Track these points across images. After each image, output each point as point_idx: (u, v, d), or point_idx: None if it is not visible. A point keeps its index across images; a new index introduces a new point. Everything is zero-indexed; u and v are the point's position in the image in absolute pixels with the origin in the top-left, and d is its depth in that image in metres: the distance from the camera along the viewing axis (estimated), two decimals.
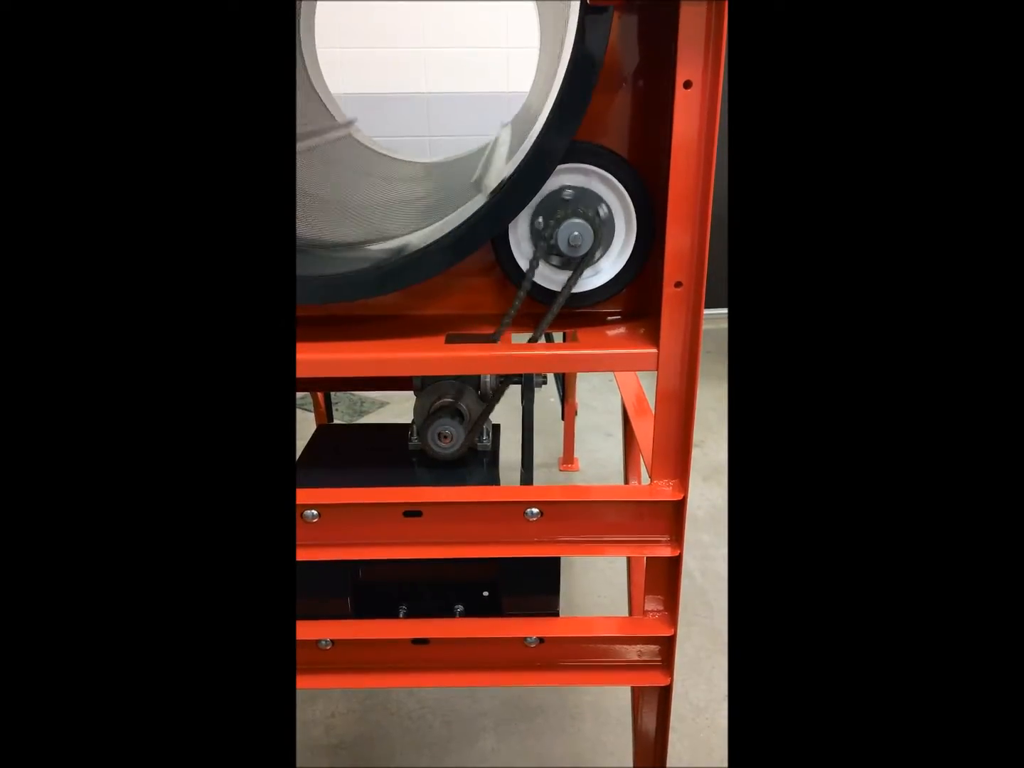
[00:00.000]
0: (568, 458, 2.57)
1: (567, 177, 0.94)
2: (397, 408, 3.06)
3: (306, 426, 2.88)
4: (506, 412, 1.31)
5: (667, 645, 1.04)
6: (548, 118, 0.87)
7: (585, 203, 0.95)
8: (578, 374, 2.60)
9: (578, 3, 0.83)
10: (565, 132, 0.88)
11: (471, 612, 1.09)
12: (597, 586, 1.97)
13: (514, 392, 1.29)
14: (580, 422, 2.65)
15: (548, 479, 2.49)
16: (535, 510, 0.97)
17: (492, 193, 0.92)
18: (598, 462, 2.59)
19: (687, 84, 0.82)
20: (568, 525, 0.98)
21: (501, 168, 1.03)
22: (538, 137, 0.88)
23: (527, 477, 1.20)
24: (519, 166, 0.90)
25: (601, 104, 0.96)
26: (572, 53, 0.84)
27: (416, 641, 1.05)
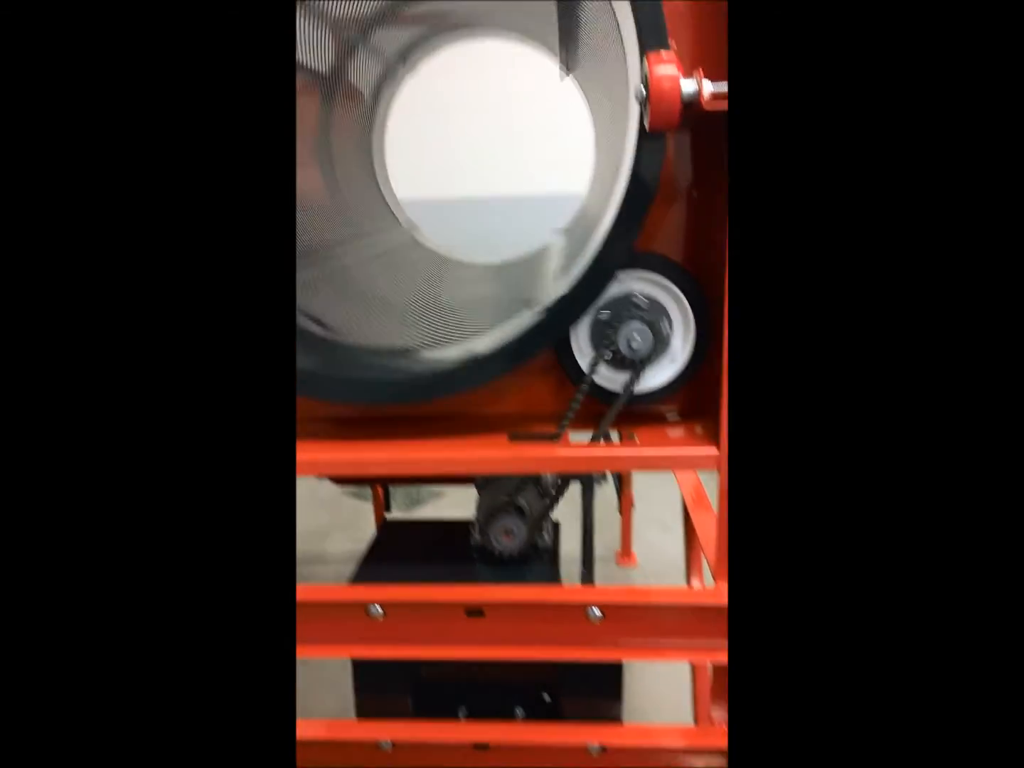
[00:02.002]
0: (626, 552, 2.53)
1: (627, 283, 0.98)
2: (453, 498, 3.08)
3: (363, 516, 2.93)
4: (563, 504, 1.32)
5: None
6: (607, 234, 0.92)
7: (644, 307, 0.98)
8: None
9: (635, 129, 0.89)
10: (623, 247, 0.93)
11: (531, 715, 1.07)
12: (660, 687, 1.89)
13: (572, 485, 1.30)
14: (637, 514, 2.62)
15: (606, 574, 2.44)
16: (597, 611, 0.97)
17: (546, 310, 0.97)
18: (656, 557, 2.54)
19: None
20: (631, 627, 0.97)
21: (552, 281, 1.08)
22: (598, 251, 0.93)
23: (588, 576, 1.19)
24: (580, 278, 0.95)
25: (657, 214, 1.01)
26: (631, 175, 0.89)
27: (477, 746, 1.03)
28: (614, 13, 0.94)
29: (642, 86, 0.83)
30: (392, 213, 2.07)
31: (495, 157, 3.65)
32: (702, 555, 1.37)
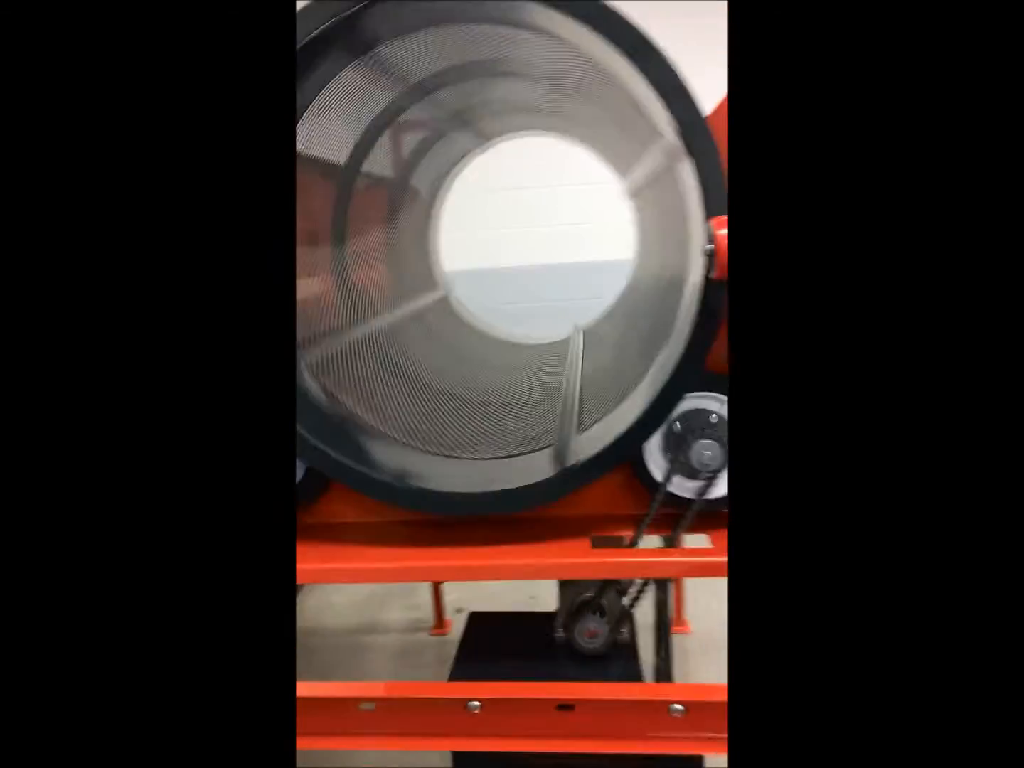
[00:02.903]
0: (679, 620, 2.57)
1: (697, 402, 1.09)
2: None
3: (413, 585, 3.00)
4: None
5: None
6: (679, 360, 1.04)
7: (714, 424, 1.09)
8: None
9: (699, 270, 1.01)
10: (694, 370, 1.04)
11: None
12: None
13: None
14: (688, 580, 2.66)
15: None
16: (679, 707, 1.05)
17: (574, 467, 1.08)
18: (709, 622, 2.57)
19: None
20: (711, 723, 1.05)
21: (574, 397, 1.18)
22: (671, 375, 1.04)
23: (666, 670, 1.27)
24: (656, 396, 1.06)
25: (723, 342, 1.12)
26: (699, 311, 1.01)
27: None
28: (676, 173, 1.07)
29: (708, 244, 0.96)
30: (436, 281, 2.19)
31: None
32: None
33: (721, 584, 2.50)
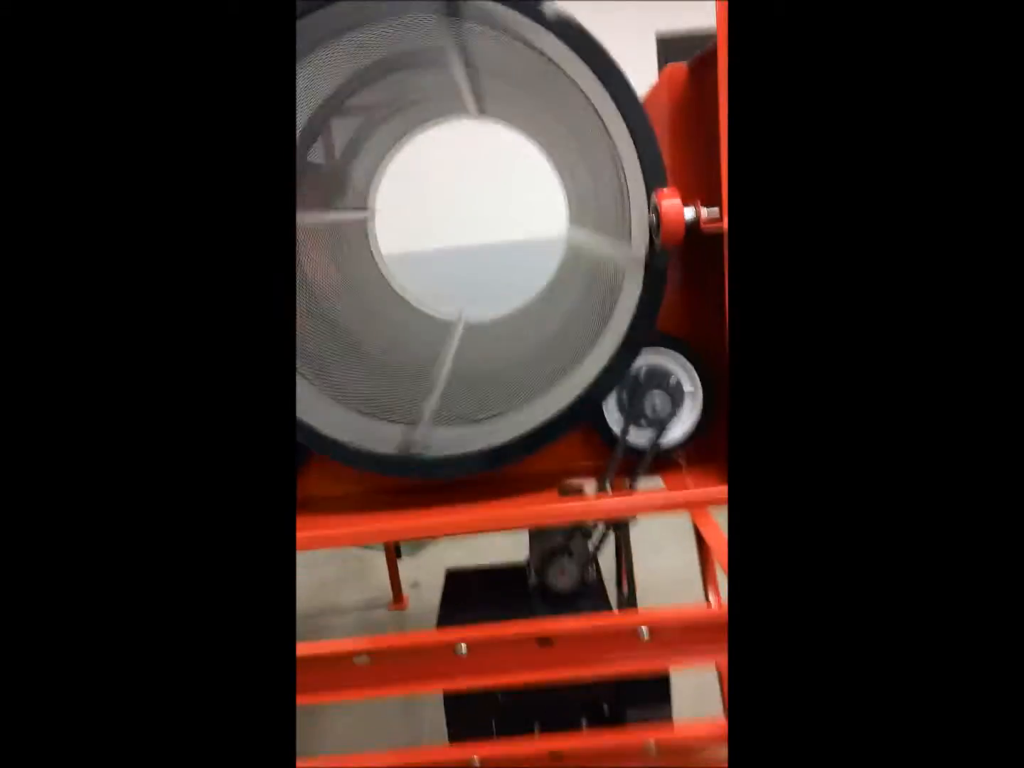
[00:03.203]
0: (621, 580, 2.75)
1: (647, 358, 1.22)
2: (448, 541, 3.25)
3: (369, 565, 3.07)
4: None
5: None
6: (631, 319, 1.15)
7: (661, 378, 1.21)
8: None
9: (643, 250, 1.12)
10: (645, 329, 1.16)
11: (595, 724, 1.27)
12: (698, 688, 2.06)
13: None
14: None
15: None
16: (646, 631, 1.18)
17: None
18: (651, 576, 2.75)
19: None
20: (676, 641, 1.18)
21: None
22: (626, 333, 1.16)
23: (631, 600, 1.40)
24: (612, 356, 1.17)
25: (666, 302, 1.24)
26: (646, 274, 1.13)
27: (553, 755, 1.22)
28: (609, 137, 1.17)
29: (652, 215, 1.07)
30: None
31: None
32: (716, 571, 1.60)
33: (659, 540, 2.66)
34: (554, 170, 1.68)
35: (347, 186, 2.06)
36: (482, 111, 2.04)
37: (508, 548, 1.78)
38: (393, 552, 2.68)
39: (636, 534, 3.02)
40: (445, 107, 1.95)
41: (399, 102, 1.79)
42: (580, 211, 1.58)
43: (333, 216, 1.76)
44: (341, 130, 1.88)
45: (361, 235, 1.90)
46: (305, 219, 1.43)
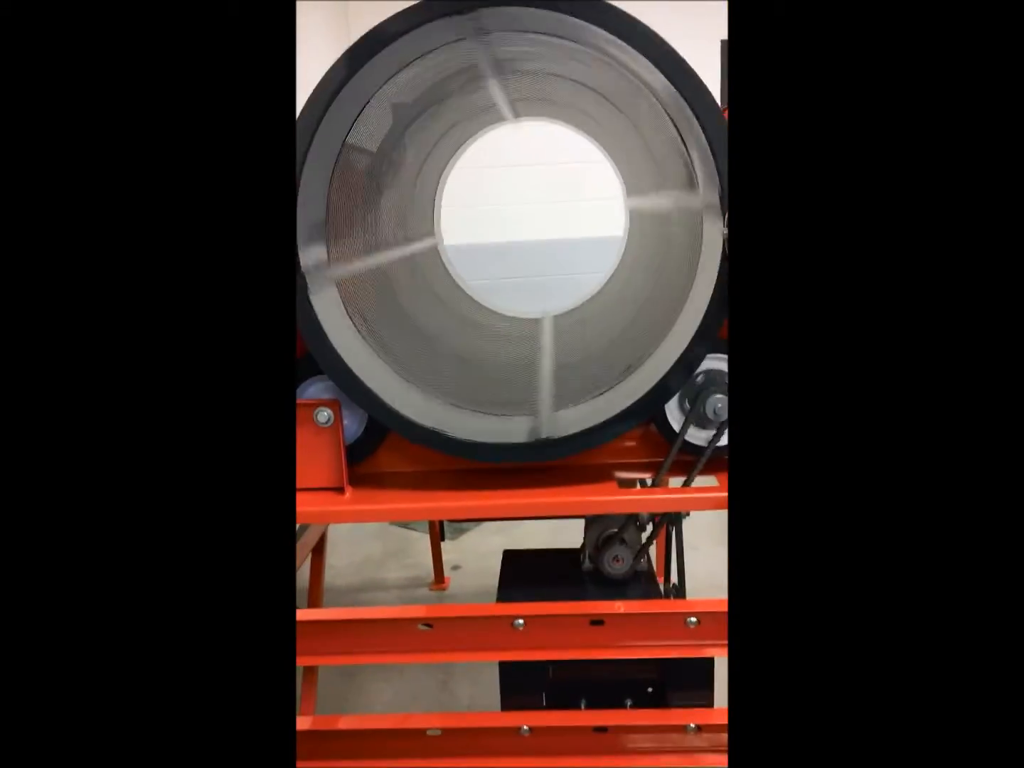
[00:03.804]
0: (660, 571, 2.81)
1: (711, 363, 1.28)
2: (491, 526, 3.34)
3: (411, 543, 3.17)
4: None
5: None
6: (697, 332, 1.22)
7: (723, 382, 1.28)
8: None
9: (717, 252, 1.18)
10: (711, 337, 1.22)
11: (639, 704, 1.35)
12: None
13: None
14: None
15: None
16: (694, 619, 1.25)
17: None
18: (688, 575, 2.81)
19: None
20: (722, 630, 1.25)
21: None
22: (692, 340, 1.23)
23: (680, 590, 1.47)
24: (677, 360, 1.24)
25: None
26: (716, 288, 1.19)
27: (597, 729, 1.30)
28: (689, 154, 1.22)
29: (725, 227, 1.14)
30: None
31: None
32: None
33: (694, 538, 2.67)
34: (596, 144, 1.69)
35: (413, 209, 2.10)
36: (517, 114, 2.07)
37: (546, 539, 1.85)
38: (437, 533, 2.77)
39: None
40: (485, 120, 1.99)
41: (445, 125, 1.84)
42: (635, 177, 1.60)
43: (410, 248, 1.83)
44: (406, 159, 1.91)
45: (435, 258, 1.98)
46: (390, 255, 1.52)
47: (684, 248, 1.29)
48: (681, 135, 1.18)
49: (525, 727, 1.30)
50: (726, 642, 1.27)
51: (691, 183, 1.20)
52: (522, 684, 1.32)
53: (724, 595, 1.92)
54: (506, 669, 1.31)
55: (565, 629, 1.27)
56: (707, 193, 1.17)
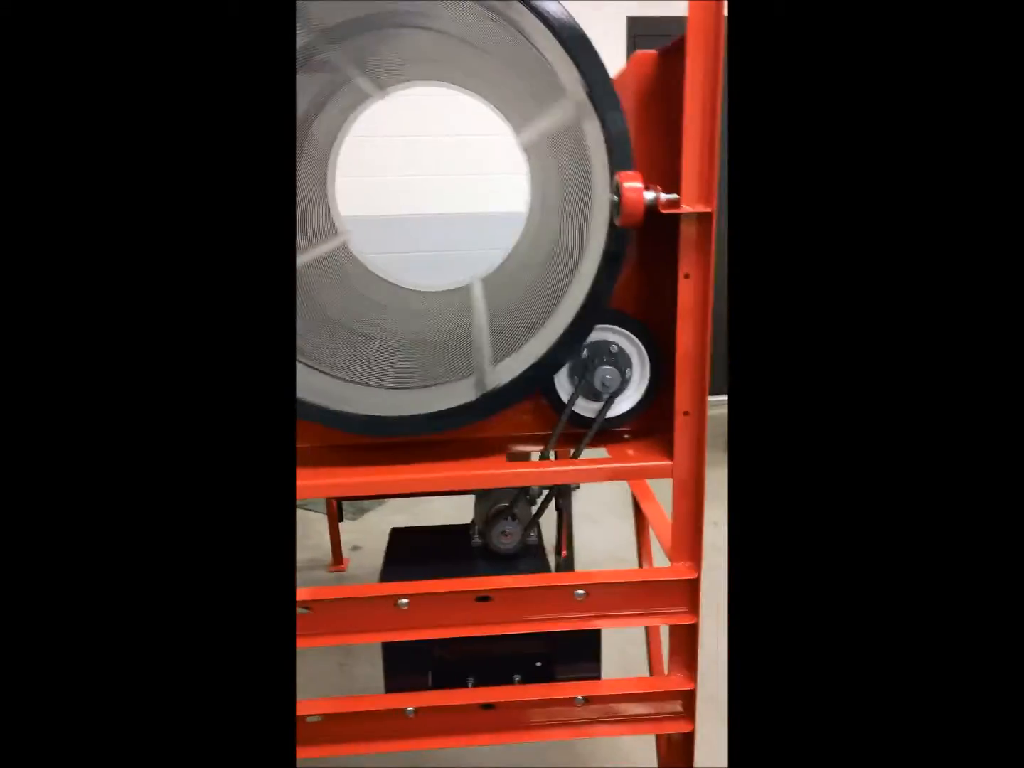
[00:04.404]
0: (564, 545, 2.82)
1: (598, 334, 1.26)
2: (393, 505, 3.28)
3: (309, 525, 3.07)
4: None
5: (689, 698, 1.29)
6: (586, 296, 1.19)
7: (613, 353, 1.26)
8: None
9: (605, 222, 1.16)
10: (600, 306, 1.20)
11: (527, 680, 1.33)
12: (627, 649, 2.15)
13: None
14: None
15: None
16: (581, 591, 1.24)
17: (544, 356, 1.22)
18: (588, 548, 2.84)
19: (687, 275, 1.14)
20: (609, 602, 1.25)
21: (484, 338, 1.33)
22: (579, 310, 1.20)
23: (569, 564, 1.46)
24: (566, 330, 1.21)
25: (620, 281, 1.29)
26: (604, 254, 1.16)
27: (484, 706, 1.28)
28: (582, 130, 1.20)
29: (613, 194, 1.11)
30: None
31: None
32: (651, 541, 1.68)
33: (596, 513, 2.72)
34: (521, 150, 1.70)
35: (306, 145, 2.03)
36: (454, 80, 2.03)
37: (451, 516, 1.82)
38: (335, 513, 2.69)
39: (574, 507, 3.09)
40: (410, 72, 1.94)
41: (362, 65, 1.77)
42: (517, 113, 1.58)
43: (320, 249, 1.76)
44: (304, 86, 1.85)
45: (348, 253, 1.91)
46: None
47: (576, 190, 1.27)
48: (537, 48, 1.15)
49: (409, 709, 1.26)
50: (613, 614, 1.28)
51: (562, 92, 1.17)
52: (407, 665, 1.28)
53: (625, 567, 1.93)
54: (390, 650, 1.27)
55: (451, 607, 1.24)
56: (574, 93, 1.15)
